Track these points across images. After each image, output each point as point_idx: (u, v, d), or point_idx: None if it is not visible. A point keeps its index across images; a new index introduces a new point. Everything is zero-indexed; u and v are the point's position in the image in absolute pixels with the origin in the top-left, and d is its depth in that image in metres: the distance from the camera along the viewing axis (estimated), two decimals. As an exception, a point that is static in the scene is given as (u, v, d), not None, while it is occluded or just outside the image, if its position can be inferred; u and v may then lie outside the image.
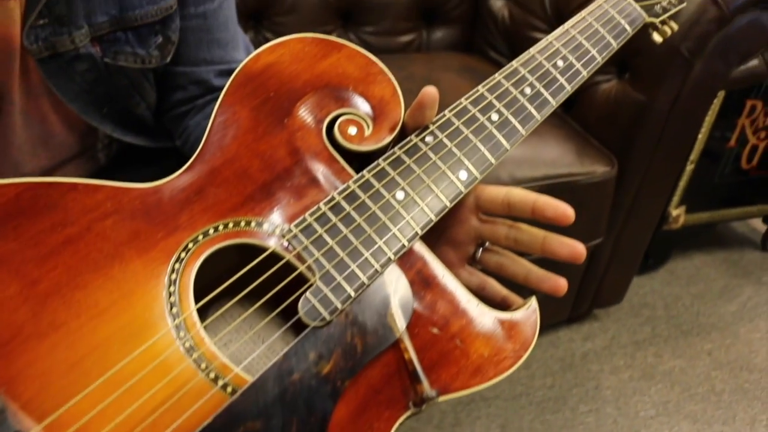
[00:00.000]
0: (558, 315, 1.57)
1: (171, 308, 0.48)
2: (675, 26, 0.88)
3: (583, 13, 0.74)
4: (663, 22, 0.86)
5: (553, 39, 0.70)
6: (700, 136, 1.54)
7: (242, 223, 0.53)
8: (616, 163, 1.27)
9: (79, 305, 0.47)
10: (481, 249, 0.64)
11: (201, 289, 0.50)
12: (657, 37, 0.84)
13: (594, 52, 0.71)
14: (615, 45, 0.73)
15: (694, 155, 1.59)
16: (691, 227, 1.84)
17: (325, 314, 0.50)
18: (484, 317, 0.56)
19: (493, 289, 0.64)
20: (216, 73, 0.82)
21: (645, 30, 0.82)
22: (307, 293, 0.51)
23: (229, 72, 0.62)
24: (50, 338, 0.45)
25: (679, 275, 1.96)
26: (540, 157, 1.22)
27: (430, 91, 0.59)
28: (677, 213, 1.72)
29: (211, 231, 0.52)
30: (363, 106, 0.61)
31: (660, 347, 1.71)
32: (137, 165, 0.89)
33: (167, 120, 0.86)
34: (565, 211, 0.58)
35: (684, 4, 0.89)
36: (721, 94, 1.48)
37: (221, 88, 0.60)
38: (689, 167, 1.62)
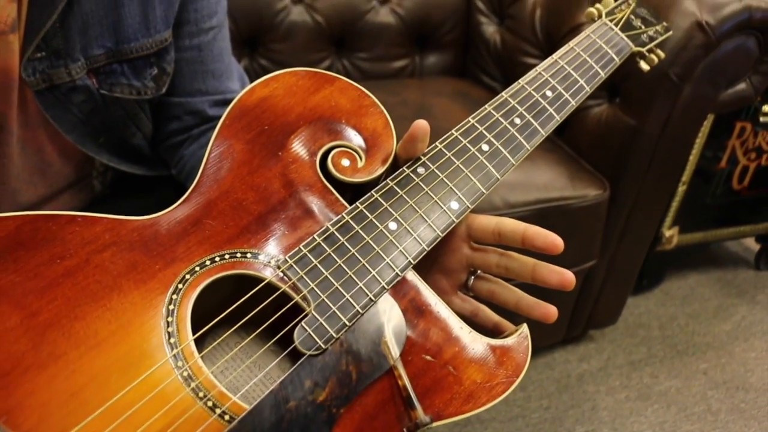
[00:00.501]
0: (553, 336, 1.58)
1: (169, 338, 0.49)
2: (662, 54, 0.89)
3: (571, 43, 0.76)
4: (650, 51, 0.88)
5: (541, 70, 0.71)
6: (691, 157, 1.56)
7: (238, 255, 0.54)
8: (608, 187, 1.28)
9: (78, 336, 0.48)
10: (473, 277, 0.65)
11: (198, 318, 0.51)
12: (644, 65, 0.86)
13: (582, 81, 0.72)
14: (603, 74, 0.75)
15: (686, 176, 1.61)
16: (685, 247, 1.86)
17: (320, 343, 0.51)
18: (476, 344, 0.57)
19: (486, 316, 0.65)
20: (211, 104, 0.83)
21: (633, 58, 0.84)
22: (303, 323, 0.52)
23: (224, 102, 0.64)
24: (50, 369, 0.46)
25: (674, 295, 1.98)
26: (532, 181, 1.24)
27: (422, 125, 0.60)
28: (670, 234, 1.74)
29: (208, 262, 0.53)
30: (355, 138, 0.63)
31: (656, 367, 1.72)
32: (133, 193, 0.90)
33: (163, 149, 0.88)
34: (554, 241, 0.60)
35: (670, 33, 0.91)
36: (710, 117, 1.50)
37: (216, 118, 0.61)
38: (681, 188, 1.64)
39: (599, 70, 0.75)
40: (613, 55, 0.77)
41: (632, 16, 0.86)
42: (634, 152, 1.26)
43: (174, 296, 0.51)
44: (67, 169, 0.82)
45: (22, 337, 0.47)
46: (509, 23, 1.59)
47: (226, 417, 0.48)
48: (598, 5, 0.86)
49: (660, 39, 0.88)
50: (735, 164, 1.73)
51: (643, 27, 0.86)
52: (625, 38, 0.80)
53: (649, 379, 1.67)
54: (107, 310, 0.49)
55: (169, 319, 0.50)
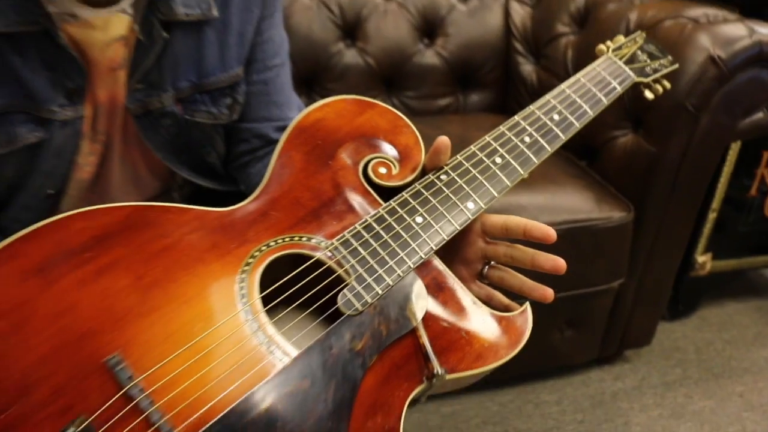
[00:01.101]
0: (588, 354, 1.67)
1: (241, 298, 0.64)
2: (667, 85, 1.02)
3: (578, 75, 0.89)
4: (656, 81, 1.00)
5: (550, 97, 0.85)
6: (719, 185, 1.65)
7: (296, 238, 0.69)
8: (633, 209, 1.39)
9: (173, 294, 0.63)
10: (487, 266, 0.78)
11: (263, 286, 0.66)
12: (649, 94, 0.99)
13: (586, 107, 0.86)
14: (605, 101, 0.88)
15: (715, 204, 1.70)
16: (721, 274, 1.93)
17: (358, 306, 0.65)
18: (485, 316, 0.70)
19: (498, 300, 0.77)
20: (274, 129, 0.99)
21: (638, 87, 0.97)
22: (345, 290, 0.66)
23: (285, 127, 0.79)
24: (151, 317, 0.61)
25: (711, 321, 2.04)
26: (561, 204, 1.36)
27: (444, 141, 0.74)
28: (703, 260, 1.82)
29: (272, 243, 0.68)
30: (391, 151, 0.77)
31: (690, 388, 1.78)
32: (206, 204, 1.06)
33: (232, 168, 1.04)
34: (547, 231, 0.73)
35: (676, 66, 1.03)
36: (736, 146, 1.60)
37: (278, 141, 0.77)
38: (712, 215, 1.73)
39: (602, 98, 0.88)
40: (616, 85, 0.90)
41: (639, 51, 0.99)
42: (657, 178, 1.37)
43: (246, 267, 0.66)
44: (155, 182, 0.98)
45: (131, 294, 0.62)
46: (544, 62, 1.73)
47: (280, 356, 0.61)
48: (608, 42, 0.99)
49: (665, 71, 1.00)
50: (765, 193, 1.81)
51: (648, 60, 0.99)
52: (628, 70, 0.93)
53: (683, 399, 1.74)
54: (194, 276, 0.64)
55: (242, 284, 0.65)
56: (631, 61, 0.96)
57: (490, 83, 1.85)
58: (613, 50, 0.96)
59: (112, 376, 0.58)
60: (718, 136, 1.36)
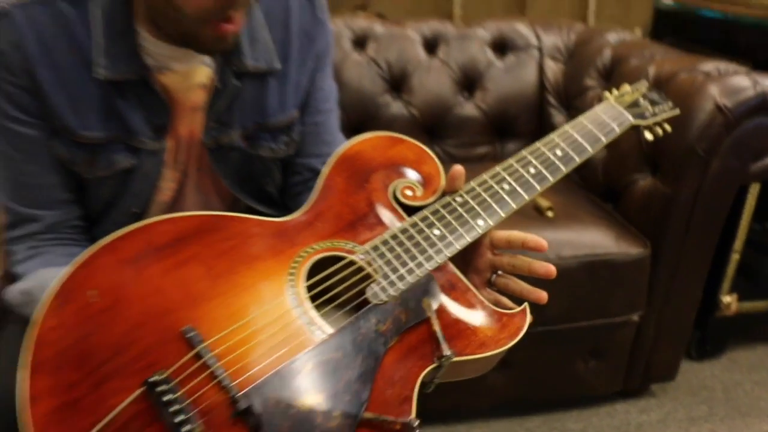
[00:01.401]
0: (612, 385, 1.76)
1: (290, 287, 0.80)
2: (668, 128, 1.15)
3: (581, 117, 1.04)
4: (657, 124, 1.14)
5: (554, 135, 1.00)
6: (740, 227, 1.75)
7: (335, 243, 0.85)
8: (650, 246, 1.51)
9: (235, 282, 0.79)
10: (494, 275, 0.92)
11: (308, 279, 0.82)
12: (648, 136, 1.12)
13: (586, 144, 1.00)
14: (604, 140, 1.03)
15: (737, 245, 1.80)
16: (750, 315, 2.00)
17: (383, 297, 0.81)
18: (489, 311, 0.85)
19: (504, 302, 0.92)
20: (323, 164, 1.16)
21: (637, 129, 1.11)
22: (373, 284, 0.81)
23: None
24: (218, 299, 0.78)
25: (741, 362, 2.10)
26: (583, 240, 1.49)
27: (459, 169, 0.91)
28: (728, 300, 1.91)
29: (316, 246, 0.85)
30: (416, 177, 0.94)
31: (716, 424, 1.85)
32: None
33: (287, 197, 1.21)
34: (540, 242, 0.88)
35: (676, 112, 1.17)
36: (755, 189, 1.70)
37: None
38: (735, 257, 1.83)
39: (601, 137, 1.02)
40: (614, 126, 1.05)
41: (641, 98, 1.13)
42: (672, 217, 1.50)
43: (294, 264, 0.82)
44: (221, 207, 1.16)
45: (203, 281, 0.79)
46: (574, 113, 1.87)
47: (319, 333, 0.77)
48: (614, 89, 1.14)
49: (664, 115, 1.14)
50: (788, 237, 1.90)
51: (649, 106, 1.13)
52: (626, 113, 1.07)
53: (708, 434, 1.82)
54: (253, 269, 0.81)
55: (291, 276, 0.81)
56: (632, 106, 1.10)
57: (525, 133, 2.00)
58: (617, 97, 1.11)
59: (186, 342, 0.74)
60: (729, 179, 1.48)
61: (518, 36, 2.04)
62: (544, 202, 1.57)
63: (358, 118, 1.90)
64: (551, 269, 0.88)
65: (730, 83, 1.45)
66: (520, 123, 2.00)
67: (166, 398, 0.70)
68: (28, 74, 0.92)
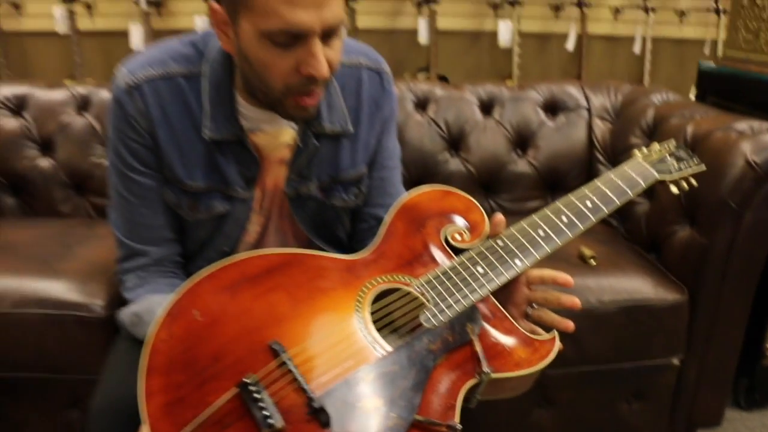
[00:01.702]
0: (656, 428, 1.82)
1: (357, 312, 0.97)
2: (694, 183, 1.28)
3: (610, 173, 1.19)
4: (683, 179, 1.27)
5: (586, 189, 1.16)
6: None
7: (395, 277, 1.03)
8: (687, 292, 1.63)
9: (313, 307, 0.97)
10: (530, 308, 1.08)
11: (372, 305, 0.99)
12: (674, 189, 1.26)
13: (614, 197, 1.15)
14: (631, 194, 1.17)
15: (778, 297, 1.88)
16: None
17: (434, 322, 0.97)
18: (523, 337, 1.00)
19: (538, 332, 1.06)
20: (386, 213, 1.34)
21: (663, 184, 1.24)
22: (425, 311, 0.98)
23: None
24: (298, 320, 0.96)
25: (790, 413, 2.15)
26: (623, 286, 1.62)
27: (500, 217, 1.08)
28: (772, 349, 1.98)
29: (380, 280, 1.02)
30: (464, 223, 1.11)
31: (762, 470, 1.91)
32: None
33: (355, 242, 1.38)
34: (567, 278, 1.03)
35: (702, 167, 1.30)
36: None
37: None
38: (776, 308, 1.91)
39: (628, 190, 1.17)
40: (640, 181, 1.19)
41: (668, 156, 1.27)
42: (708, 266, 1.61)
43: (361, 293, 1.00)
44: (297, 248, 1.35)
45: (286, 305, 0.97)
46: (620, 170, 2.02)
47: (380, 350, 0.94)
48: (643, 148, 1.29)
49: (690, 171, 1.27)
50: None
51: (675, 162, 1.26)
52: (651, 169, 1.21)
53: (753, 478, 1.87)
54: (327, 297, 0.99)
55: (358, 304, 0.99)
56: (658, 162, 1.25)
57: (575, 187, 2.07)
58: (645, 155, 1.26)
59: (272, 353, 0.92)
60: (763, 230, 1.59)
61: (569, 97, 2.20)
62: (587, 251, 1.70)
63: (419, 173, 2.08)
64: (576, 302, 1.03)
65: (760, 141, 1.57)
66: (570, 178, 2.14)
67: (255, 396, 0.87)
68: (150, 135, 1.14)
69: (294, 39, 0.97)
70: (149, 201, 1.19)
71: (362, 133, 1.25)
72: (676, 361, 1.71)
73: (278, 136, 1.19)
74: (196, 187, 1.18)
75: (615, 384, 1.71)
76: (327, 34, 0.99)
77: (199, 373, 0.90)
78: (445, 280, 1.03)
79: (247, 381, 0.88)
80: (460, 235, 1.10)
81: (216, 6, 1.03)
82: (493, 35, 3.89)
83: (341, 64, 1.19)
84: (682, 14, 4.07)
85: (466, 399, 0.95)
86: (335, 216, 1.31)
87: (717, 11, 3.89)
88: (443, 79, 3.66)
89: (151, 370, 0.91)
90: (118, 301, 1.54)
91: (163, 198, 1.19)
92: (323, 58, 0.99)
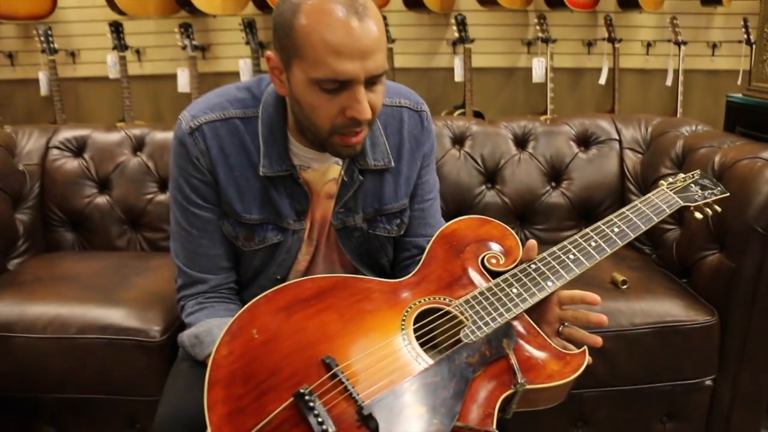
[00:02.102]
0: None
1: (402, 329, 1.07)
2: (718, 209, 1.35)
3: (637, 201, 1.27)
4: (707, 206, 1.34)
5: (613, 216, 1.24)
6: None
7: (436, 298, 1.12)
8: (717, 315, 1.68)
9: (361, 326, 1.07)
10: (561, 326, 1.16)
11: (415, 323, 1.08)
12: (698, 215, 1.33)
13: (640, 223, 1.23)
14: (656, 219, 1.25)
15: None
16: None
17: (472, 338, 1.06)
18: (554, 351, 1.08)
19: (569, 348, 1.14)
20: (427, 242, 1.43)
21: (687, 210, 1.31)
22: (465, 329, 1.07)
23: None
24: (348, 338, 1.05)
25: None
26: (654, 309, 1.68)
27: (533, 243, 1.16)
28: (808, 373, 2.01)
29: (422, 300, 1.12)
30: (499, 249, 1.20)
31: (801, 493, 1.93)
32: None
33: (396, 270, 1.47)
34: (595, 298, 1.12)
35: (726, 194, 1.37)
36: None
37: None
38: (809, 332, 1.94)
39: (653, 216, 1.25)
40: (665, 208, 1.27)
41: (692, 184, 1.35)
42: (737, 289, 1.67)
43: (405, 313, 1.09)
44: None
45: (337, 324, 1.07)
46: (651, 198, 2.09)
47: (423, 363, 1.03)
48: (669, 178, 1.37)
49: (713, 198, 1.34)
50: None
51: (699, 190, 1.34)
52: (676, 197, 1.29)
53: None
54: (374, 316, 1.09)
55: (403, 322, 1.08)
56: (683, 191, 1.32)
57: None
58: (670, 184, 1.34)
59: (325, 366, 1.01)
60: (789, 255, 1.65)
61: (600, 131, 2.28)
62: (619, 277, 1.77)
63: (457, 206, 2.17)
64: (603, 319, 1.11)
65: (785, 168, 1.64)
66: (603, 208, 2.21)
67: (310, 405, 0.96)
68: (211, 173, 1.25)
69: (340, 86, 1.09)
70: (209, 233, 1.30)
71: (404, 168, 1.36)
72: (708, 382, 1.76)
73: (326, 173, 1.30)
74: (251, 219, 1.29)
75: (649, 404, 1.76)
76: (371, 81, 1.10)
77: (258, 385, 1.00)
78: (482, 300, 1.12)
79: (303, 392, 0.97)
80: (496, 259, 1.19)
81: (272, 54, 1.15)
82: (527, 71, 4.00)
83: (384, 105, 1.30)
84: (714, 46, 4.14)
85: (503, 409, 1.04)
86: (379, 245, 1.41)
87: (749, 42, 3.95)
88: (479, 115, 3.77)
89: (214, 383, 1.01)
90: (174, 326, 1.66)
91: (221, 230, 1.30)
92: (366, 103, 1.10)
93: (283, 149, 1.25)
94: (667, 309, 1.69)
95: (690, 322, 1.67)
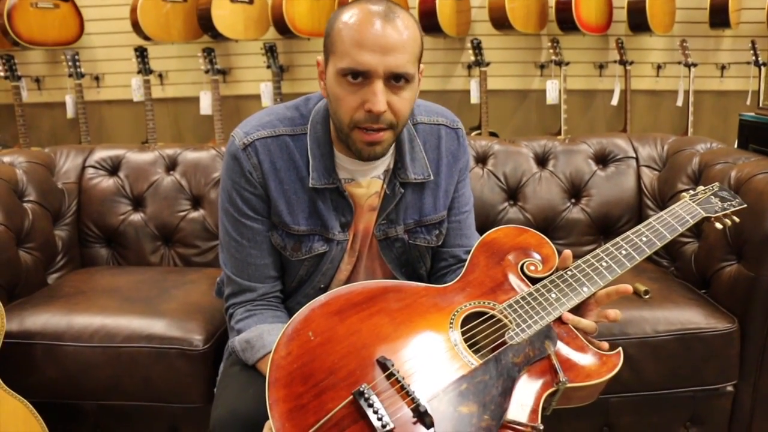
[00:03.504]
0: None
1: (451, 331, 1.14)
2: (737, 219, 1.43)
3: (662, 212, 1.35)
4: (726, 216, 1.41)
5: (641, 226, 1.32)
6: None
7: (481, 302, 1.20)
8: (737, 322, 1.76)
9: (412, 328, 1.15)
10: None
11: (462, 326, 1.16)
12: (718, 225, 1.40)
13: (665, 232, 1.31)
14: (681, 229, 1.33)
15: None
16: None
17: (517, 340, 1.14)
18: (592, 352, 1.16)
19: (604, 348, 1.21)
20: (464, 252, 1.50)
21: (708, 220, 1.39)
22: (510, 331, 1.15)
23: (470, 252, 1.32)
24: (400, 340, 1.13)
25: None
26: (676, 317, 1.75)
27: (568, 253, 1.24)
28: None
29: (468, 305, 1.19)
30: (537, 257, 1.28)
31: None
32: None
33: (433, 279, 1.55)
34: (627, 288, 1.20)
35: (744, 205, 1.45)
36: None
37: (465, 260, 1.30)
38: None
39: (678, 227, 1.32)
40: (689, 218, 1.35)
41: (712, 196, 1.42)
42: (756, 297, 1.74)
43: (453, 317, 1.17)
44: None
45: (389, 327, 1.14)
46: (669, 213, 2.17)
47: (471, 363, 1.10)
48: (690, 191, 1.44)
49: (732, 209, 1.41)
50: None
51: (719, 202, 1.41)
52: (698, 208, 1.37)
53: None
54: (423, 319, 1.16)
55: (450, 325, 1.16)
56: (704, 203, 1.40)
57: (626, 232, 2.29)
58: (691, 196, 1.42)
59: (380, 366, 1.09)
60: (807, 265, 1.73)
61: (617, 149, 2.36)
62: (641, 287, 1.84)
63: (481, 222, 2.22)
64: (617, 313, 1.21)
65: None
66: (621, 223, 2.29)
67: (369, 402, 1.03)
68: (262, 186, 1.33)
69: (361, 77, 1.19)
70: (258, 243, 1.38)
71: (442, 182, 1.44)
72: (730, 388, 1.82)
73: (369, 186, 1.38)
74: (299, 230, 1.37)
75: (672, 409, 1.82)
76: (392, 80, 1.20)
77: (317, 384, 1.07)
78: (525, 304, 1.19)
79: (362, 389, 1.04)
80: (534, 266, 1.27)
81: (320, 59, 1.28)
82: (541, 93, 4.10)
83: (423, 123, 1.39)
84: (722, 68, 4.23)
85: (543, 408, 1.11)
86: (418, 255, 1.48)
87: (757, 63, 4.04)
88: (494, 136, 3.85)
89: (274, 382, 1.08)
90: (215, 336, 1.74)
91: (269, 240, 1.38)
92: (383, 97, 1.19)
93: (330, 163, 1.33)
94: (689, 317, 1.76)
95: (711, 330, 1.74)
